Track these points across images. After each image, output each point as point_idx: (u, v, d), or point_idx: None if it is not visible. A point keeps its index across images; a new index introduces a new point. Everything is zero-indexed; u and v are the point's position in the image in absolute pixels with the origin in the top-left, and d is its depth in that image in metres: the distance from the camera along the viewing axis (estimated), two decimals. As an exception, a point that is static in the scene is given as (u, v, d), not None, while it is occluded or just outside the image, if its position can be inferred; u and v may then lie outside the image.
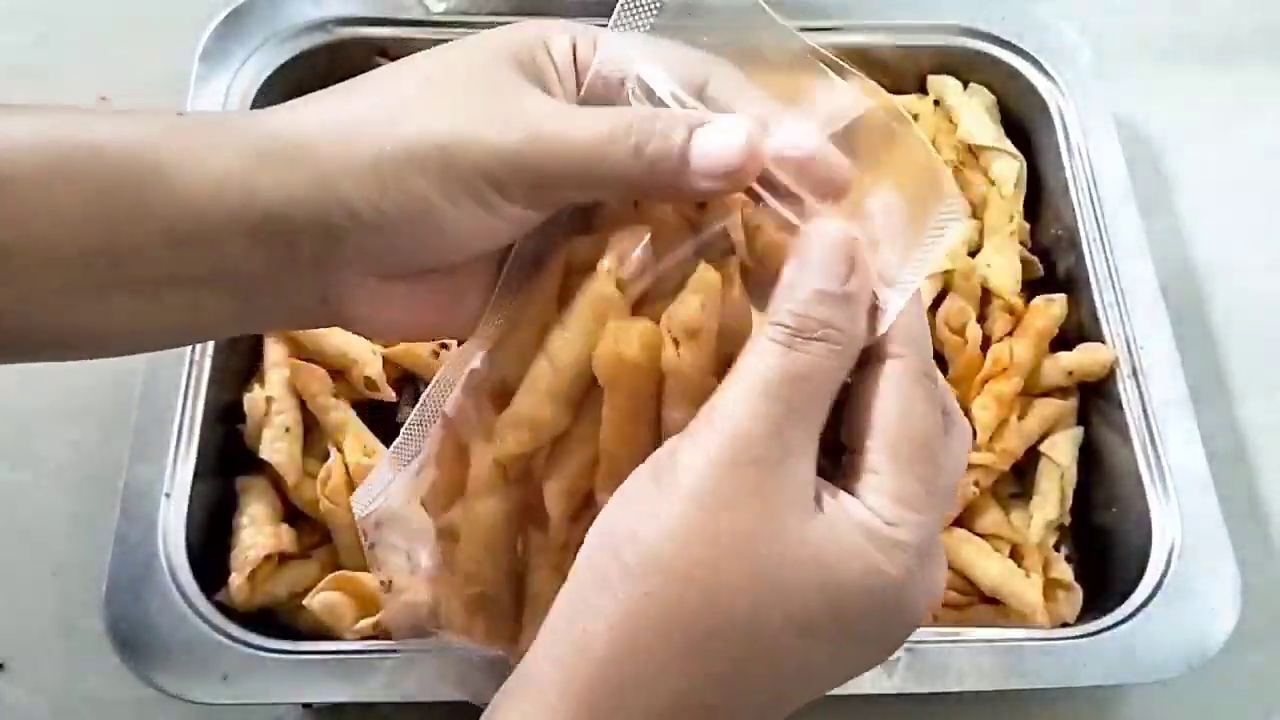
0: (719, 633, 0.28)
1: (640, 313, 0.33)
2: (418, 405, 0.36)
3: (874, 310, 0.31)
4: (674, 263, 0.34)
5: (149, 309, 0.33)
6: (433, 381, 0.36)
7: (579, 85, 0.34)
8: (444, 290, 0.35)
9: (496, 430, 0.34)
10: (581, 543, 0.32)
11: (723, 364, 0.31)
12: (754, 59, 0.35)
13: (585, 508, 0.34)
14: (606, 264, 0.33)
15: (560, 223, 0.35)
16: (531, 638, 0.31)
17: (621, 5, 0.35)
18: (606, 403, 0.33)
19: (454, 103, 0.32)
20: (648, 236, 0.33)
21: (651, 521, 0.28)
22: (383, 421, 0.58)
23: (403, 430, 0.36)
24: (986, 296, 0.62)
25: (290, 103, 0.34)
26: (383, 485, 0.36)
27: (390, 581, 0.37)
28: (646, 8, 0.35)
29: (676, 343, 0.32)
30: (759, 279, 0.33)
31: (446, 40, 0.71)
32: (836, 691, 0.48)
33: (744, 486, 0.28)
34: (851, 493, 0.30)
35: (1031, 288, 0.63)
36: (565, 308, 0.34)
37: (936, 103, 0.68)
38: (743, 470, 0.28)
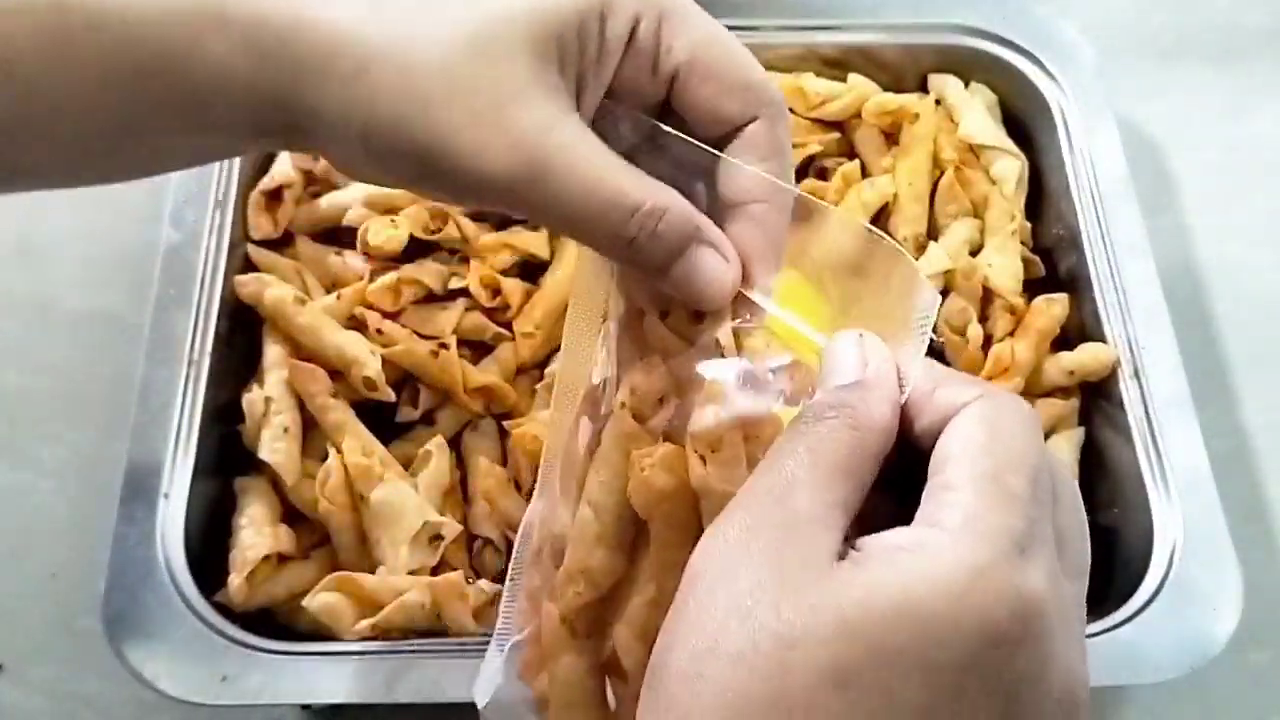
0: (749, 702, 0.25)
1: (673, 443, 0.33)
2: (506, 582, 0.36)
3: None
4: (686, 384, 0.33)
5: (155, 164, 0.35)
6: (512, 559, 0.35)
7: (621, 64, 0.33)
8: None
9: (556, 586, 0.34)
10: None
11: None
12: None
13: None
14: (620, 398, 0.33)
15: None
16: None
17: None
18: (651, 535, 0.32)
19: (465, 102, 0.30)
20: (661, 368, 0.33)
21: (671, 635, 0.27)
22: (382, 422, 0.57)
23: (500, 611, 0.36)
24: (988, 296, 0.62)
25: None
26: (492, 671, 0.36)
27: None
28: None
29: (704, 460, 0.31)
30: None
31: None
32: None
33: (748, 556, 0.26)
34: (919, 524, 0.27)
35: (1033, 287, 0.63)
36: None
37: (938, 102, 0.68)
38: (746, 540, 0.27)
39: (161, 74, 0.31)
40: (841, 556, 0.26)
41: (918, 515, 0.27)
